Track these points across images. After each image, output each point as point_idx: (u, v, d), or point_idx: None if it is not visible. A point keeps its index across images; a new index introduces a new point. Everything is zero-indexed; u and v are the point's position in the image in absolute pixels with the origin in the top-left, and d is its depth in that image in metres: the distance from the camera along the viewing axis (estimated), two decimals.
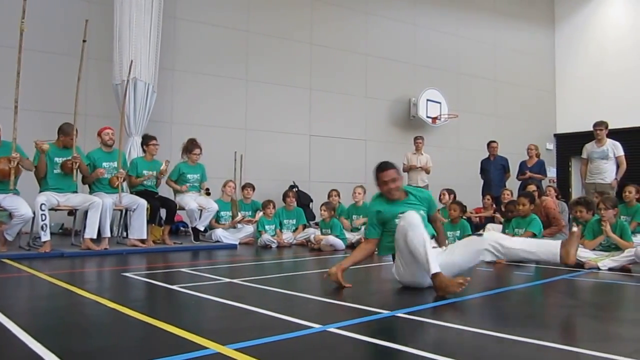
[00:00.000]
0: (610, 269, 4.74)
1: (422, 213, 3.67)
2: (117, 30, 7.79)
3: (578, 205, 5.82)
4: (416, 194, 3.86)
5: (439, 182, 9.23)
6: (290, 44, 10.26)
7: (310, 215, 8.97)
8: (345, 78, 10.86)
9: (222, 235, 7.09)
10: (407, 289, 3.57)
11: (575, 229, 3.54)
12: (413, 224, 3.33)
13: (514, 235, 5.72)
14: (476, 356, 2.13)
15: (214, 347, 2.11)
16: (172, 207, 6.66)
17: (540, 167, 9.11)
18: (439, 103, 11.54)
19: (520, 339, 2.30)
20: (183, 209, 6.85)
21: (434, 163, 9.45)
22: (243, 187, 7.89)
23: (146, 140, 6.85)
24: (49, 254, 5.38)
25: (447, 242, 4.41)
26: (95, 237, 5.74)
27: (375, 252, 3.88)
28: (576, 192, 12.66)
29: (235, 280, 4.03)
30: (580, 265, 4.94)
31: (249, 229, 7.46)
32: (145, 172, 6.54)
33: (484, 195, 8.95)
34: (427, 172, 9.32)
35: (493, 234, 3.84)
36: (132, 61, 7.19)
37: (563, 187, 12.91)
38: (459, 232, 6.28)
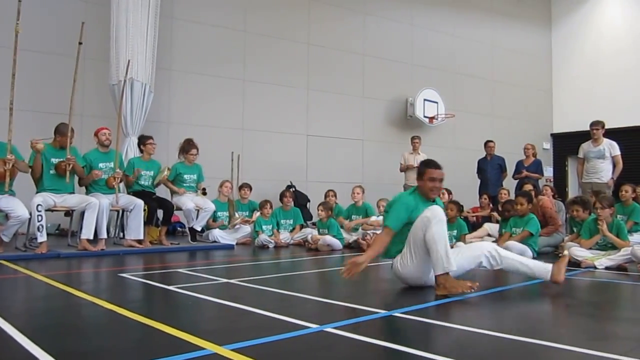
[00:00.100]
0: (606, 268, 4.76)
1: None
2: (114, 30, 7.77)
3: (574, 204, 5.84)
4: (439, 202, 3.88)
5: None
6: (288, 44, 10.26)
7: (307, 215, 8.98)
8: (342, 78, 10.86)
9: (219, 235, 7.08)
10: (405, 288, 3.57)
11: (566, 252, 3.75)
12: (439, 218, 3.37)
13: (511, 234, 5.76)
14: (473, 355, 2.13)
15: (211, 347, 2.11)
16: (169, 207, 6.65)
17: (537, 167, 9.13)
18: (436, 103, 11.55)
19: (517, 338, 2.31)
20: (180, 209, 6.84)
21: None
22: (240, 187, 7.88)
23: (143, 140, 6.85)
24: (46, 255, 5.36)
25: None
26: (92, 237, 5.73)
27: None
28: (573, 191, 12.68)
29: (232, 281, 4.02)
30: (577, 264, 4.97)
31: (246, 229, 7.46)
32: (143, 172, 6.56)
33: (480, 195, 8.96)
34: None
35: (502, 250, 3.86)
36: (129, 61, 7.18)
37: (560, 186, 12.94)
38: (455, 231, 6.29)
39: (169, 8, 8.82)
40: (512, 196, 7.37)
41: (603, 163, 7.86)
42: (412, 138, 9.61)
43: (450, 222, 6.36)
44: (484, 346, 2.28)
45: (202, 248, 6.64)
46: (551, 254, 5.83)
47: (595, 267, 4.78)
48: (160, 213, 6.65)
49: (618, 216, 5.78)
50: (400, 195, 3.77)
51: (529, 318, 2.95)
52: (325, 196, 7.95)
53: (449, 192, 7.98)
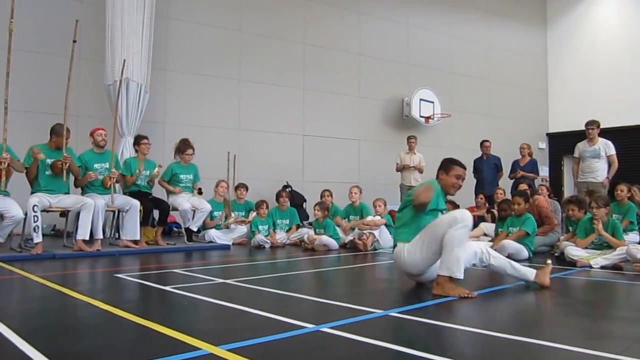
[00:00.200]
0: (602, 267, 4.77)
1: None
2: (109, 30, 7.74)
3: (570, 203, 5.86)
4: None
5: None
6: (283, 44, 10.25)
7: (303, 215, 8.97)
8: (338, 78, 10.86)
9: (215, 235, 7.07)
10: (401, 288, 3.57)
11: (549, 261, 3.79)
12: (465, 224, 3.37)
13: (508, 233, 5.77)
14: (469, 355, 2.13)
15: (207, 347, 2.11)
16: (165, 207, 6.64)
17: (532, 166, 9.16)
18: (432, 103, 11.57)
19: (512, 337, 2.31)
20: (176, 209, 6.83)
21: (426, 162, 9.45)
22: (236, 188, 7.87)
23: (138, 140, 6.82)
24: (41, 256, 5.33)
25: None
26: (87, 238, 5.71)
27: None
28: (568, 190, 12.72)
29: (228, 281, 4.02)
30: (572, 263, 4.98)
31: (242, 229, 7.45)
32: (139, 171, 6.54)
33: (476, 194, 8.97)
34: (420, 171, 9.34)
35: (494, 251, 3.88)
36: (124, 61, 7.16)
37: (555, 186, 12.98)
38: None
39: (165, 8, 8.80)
40: (508, 196, 7.39)
41: (598, 162, 7.89)
42: (408, 138, 9.62)
43: None
44: (480, 345, 2.28)
45: (198, 248, 6.63)
46: (547, 253, 5.85)
47: (590, 267, 4.79)
48: (156, 213, 6.63)
49: (613, 215, 5.80)
50: (433, 181, 3.76)
51: (526, 317, 2.96)
52: (321, 196, 7.95)
53: None
